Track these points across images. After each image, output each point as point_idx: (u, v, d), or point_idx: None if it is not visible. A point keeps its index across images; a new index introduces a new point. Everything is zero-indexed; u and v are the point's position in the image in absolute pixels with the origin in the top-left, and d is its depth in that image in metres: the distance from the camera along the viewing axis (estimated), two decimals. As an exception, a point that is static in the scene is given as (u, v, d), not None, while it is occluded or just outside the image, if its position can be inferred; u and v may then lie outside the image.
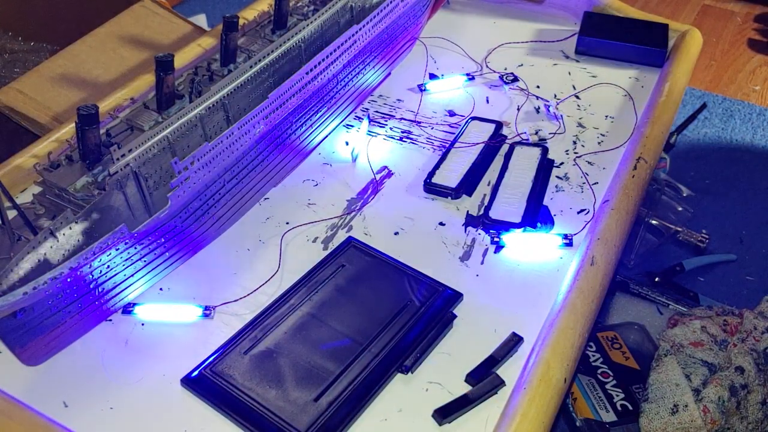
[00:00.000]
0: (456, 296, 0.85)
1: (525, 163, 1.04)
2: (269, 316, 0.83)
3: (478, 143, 1.08)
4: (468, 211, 0.98)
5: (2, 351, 0.80)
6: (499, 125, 1.11)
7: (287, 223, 0.97)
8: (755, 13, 2.24)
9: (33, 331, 0.73)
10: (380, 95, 1.21)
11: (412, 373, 0.78)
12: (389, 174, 1.05)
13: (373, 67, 1.16)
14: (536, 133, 1.12)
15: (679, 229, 1.42)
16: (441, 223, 0.97)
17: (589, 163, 1.06)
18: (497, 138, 1.09)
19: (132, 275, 0.82)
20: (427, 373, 0.78)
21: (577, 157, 1.07)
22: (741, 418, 0.98)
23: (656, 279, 1.31)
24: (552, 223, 0.96)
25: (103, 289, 0.78)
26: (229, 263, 0.91)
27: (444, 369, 0.78)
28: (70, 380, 0.77)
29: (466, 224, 0.97)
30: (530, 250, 0.92)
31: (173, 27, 1.52)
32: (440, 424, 0.73)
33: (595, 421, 1.00)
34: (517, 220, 0.95)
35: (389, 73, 1.24)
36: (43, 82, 1.33)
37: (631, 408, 1.01)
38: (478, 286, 0.88)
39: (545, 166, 1.04)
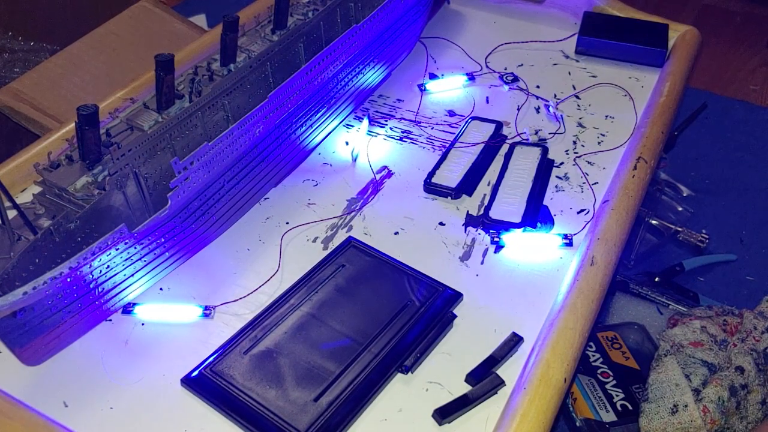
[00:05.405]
0: (456, 296, 0.85)
1: (525, 163, 1.04)
2: (269, 316, 0.83)
3: (478, 143, 1.08)
4: (468, 211, 0.98)
5: (2, 351, 0.80)
6: (499, 125, 1.11)
7: (287, 223, 0.97)
8: (755, 13, 2.24)
9: (33, 331, 0.73)
10: (380, 95, 1.21)
11: (412, 373, 0.78)
12: (389, 174, 1.05)
13: (373, 67, 1.16)
14: (536, 133, 1.12)
15: (679, 229, 1.42)
16: (441, 223, 0.97)
17: (589, 163, 1.06)
18: (497, 138, 1.09)
19: (132, 275, 0.82)
20: (427, 373, 0.78)
21: (577, 157, 1.07)
22: (741, 418, 0.98)
23: (656, 279, 1.31)
24: (552, 223, 0.96)
25: (103, 289, 0.78)
26: (229, 263, 0.91)
27: (444, 369, 0.78)
28: (70, 380, 0.77)
29: (466, 224, 0.97)
30: (530, 250, 0.92)
31: (173, 27, 1.52)
32: (440, 424, 0.73)
33: (595, 421, 1.00)
34: (517, 220, 0.95)
35: (389, 73, 1.24)
36: (43, 82, 1.33)
37: (631, 408, 1.01)
38: (478, 286, 0.88)
39: (545, 166, 1.04)
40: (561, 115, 1.15)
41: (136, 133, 0.83)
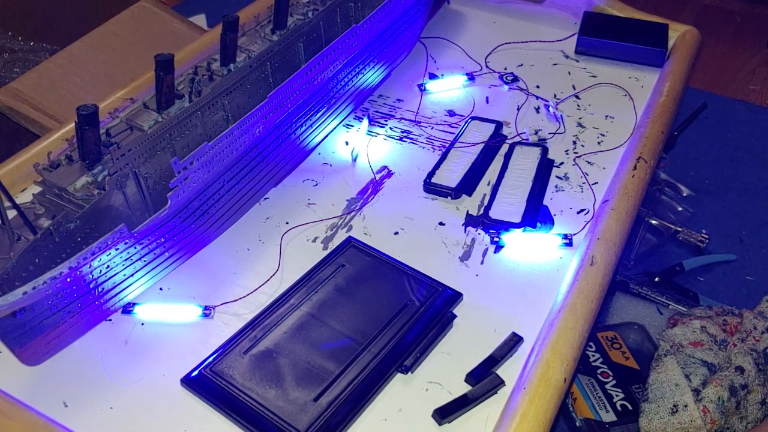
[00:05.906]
0: (456, 296, 0.85)
1: (525, 163, 1.04)
2: (269, 316, 0.83)
3: (478, 143, 1.08)
4: (468, 211, 0.98)
5: (2, 351, 0.80)
6: (499, 125, 1.11)
7: (287, 223, 0.97)
8: (755, 13, 2.24)
9: (33, 331, 0.73)
10: (380, 95, 1.21)
11: (412, 373, 0.78)
12: (389, 174, 1.05)
13: (373, 67, 1.16)
14: (536, 133, 1.12)
15: (679, 229, 1.42)
16: (441, 223, 0.97)
17: (589, 163, 1.06)
18: (497, 138, 1.09)
19: (132, 275, 0.82)
20: (427, 373, 0.78)
21: (577, 157, 1.07)
22: (741, 418, 0.98)
23: (656, 279, 1.31)
24: (552, 223, 0.96)
25: (103, 288, 0.78)
26: (229, 263, 0.91)
27: (444, 369, 0.78)
28: (70, 380, 0.77)
29: (466, 224, 0.97)
30: (530, 250, 0.92)
31: (173, 27, 1.52)
32: (440, 424, 0.73)
33: (595, 421, 1.00)
34: (517, 220, 0.95)
35: (389, 73, 1.24)
36: (43, 82, 1.33)
37: (630, 408, 1.01)
38: (478, 286, 0.88)
39: (545, 166, 1.04)
40: (561, 115, 1.15)
41: (136, 133, 0.83)
